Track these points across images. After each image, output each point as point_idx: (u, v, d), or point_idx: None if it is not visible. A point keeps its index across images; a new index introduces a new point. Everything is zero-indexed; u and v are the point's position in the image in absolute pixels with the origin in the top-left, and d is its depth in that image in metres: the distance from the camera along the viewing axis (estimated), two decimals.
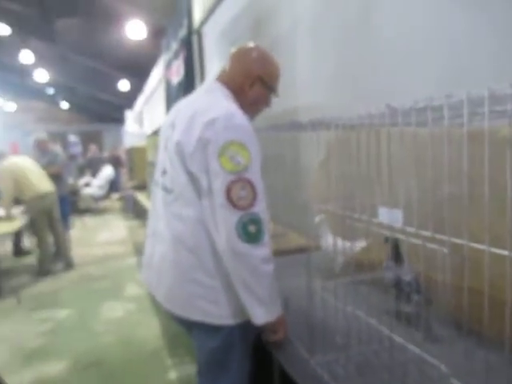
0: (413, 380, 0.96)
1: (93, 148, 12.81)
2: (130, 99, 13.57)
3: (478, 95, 0.68)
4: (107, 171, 10.79)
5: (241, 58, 1.47)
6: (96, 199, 10.50)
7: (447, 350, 0.85)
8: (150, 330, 3.51)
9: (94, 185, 10.53)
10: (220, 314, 1.29)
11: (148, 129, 10.01)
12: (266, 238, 1.22)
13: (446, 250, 0.72)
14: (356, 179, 1.07)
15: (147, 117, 11.25)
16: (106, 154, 13.68)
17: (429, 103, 0.71)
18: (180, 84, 5.08)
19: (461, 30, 1.55)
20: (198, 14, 4.73)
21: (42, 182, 5.14)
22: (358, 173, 1.03)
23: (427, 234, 0.77)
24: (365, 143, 0.96)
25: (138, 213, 8.49)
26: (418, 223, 0.77)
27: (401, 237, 0.83)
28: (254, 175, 1.22)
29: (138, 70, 10.51)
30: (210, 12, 4.42)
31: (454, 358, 0.83)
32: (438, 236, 0.74)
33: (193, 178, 1.27)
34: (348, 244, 1.53)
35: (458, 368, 0.85)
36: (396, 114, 0.79)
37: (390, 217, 0.85)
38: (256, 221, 1.19)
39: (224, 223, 1.19)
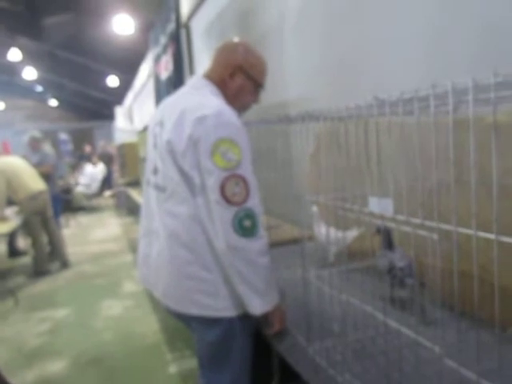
0: (408, 363, 0.99)
1: (87, 148, 13.07)
2: (119, 95, 13.50)
3: (463, 84, 0.70)
4: (98, 168, 10.74)
5: (223, 52, 1.48)
6: (88, 197, 10.45)
7: (440, 332, 0.88)
8: (149, 326, 3.53)
9: (82, 183, 10.46)
10: (219, 307, 1.31)
11: (138, 125, 9.95)
12: (261, 231, 1.25)
13: (435, 237, 0.75)
14: (346, 170, 1.09)
15: (137, 113, 11.19)
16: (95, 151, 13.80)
17: (415, 94, 0.73)
18: (169, 79, 5.06)
19: (446, 19, 1.57)
20: (185, 8, 4.70)
21: (34, 182, 5.10)
22: (348, 164, 1.05)
23: (417, 221, 0.79)
24: (353, 134, 0.98)
25: (131, 209, 8.47)
26: (408, 211, 0.80)
27: (391, 225, 0.85)
28: (246, 170, 1.24)
29: (127, 66, 10.46)
30: (197, 5, 4.39)
31: (447, 339, 0.86)
32: (427, 223, 0.76)
33: (185, 176, 1.28)
34: (341, 234, 1.55)
35: (451, 349, 0.88)
36: (383, 105, 0.81)
37: (380, 206, 0.88)
38: (251, 215, 1.22)
39: (220, 219, 1.22)
